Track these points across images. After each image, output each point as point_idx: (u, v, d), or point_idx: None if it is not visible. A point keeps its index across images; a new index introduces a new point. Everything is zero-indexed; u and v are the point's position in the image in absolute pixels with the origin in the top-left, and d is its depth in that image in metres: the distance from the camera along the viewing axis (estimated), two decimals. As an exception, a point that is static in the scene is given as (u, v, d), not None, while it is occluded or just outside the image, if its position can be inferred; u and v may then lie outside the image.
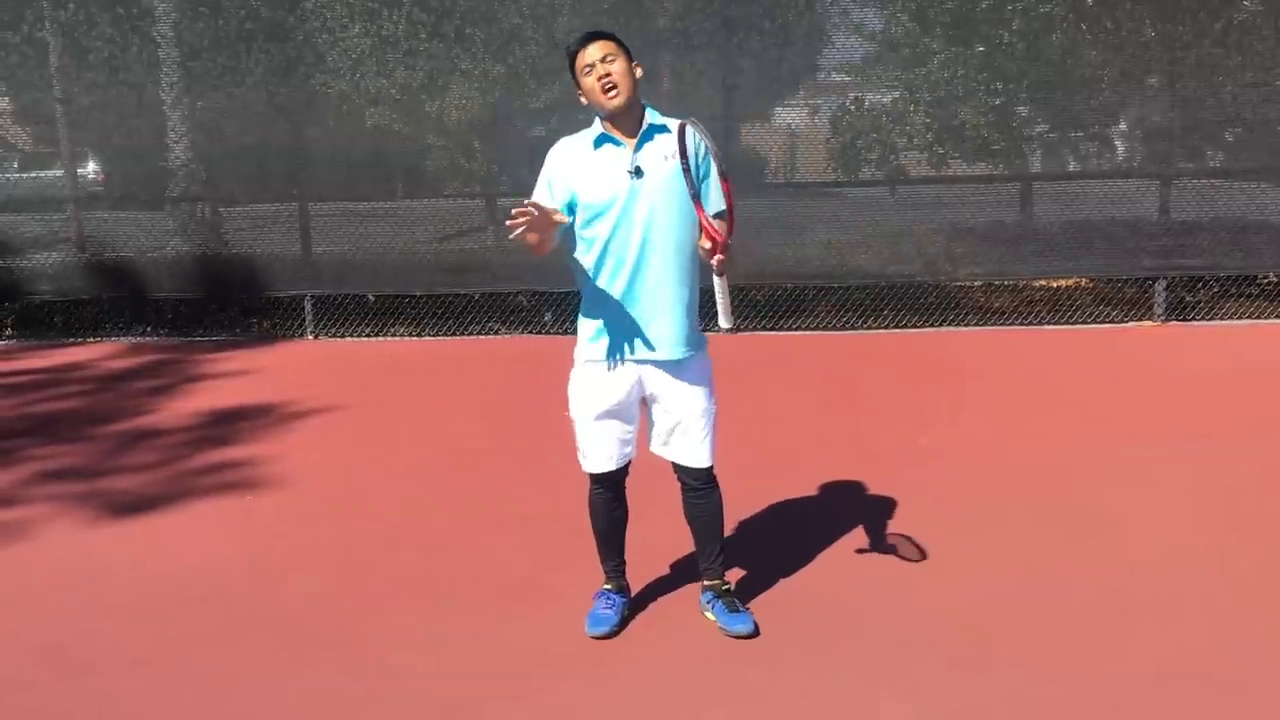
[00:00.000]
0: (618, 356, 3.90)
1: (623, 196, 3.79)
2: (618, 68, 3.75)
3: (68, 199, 10.25)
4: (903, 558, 4.64)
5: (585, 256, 3.90)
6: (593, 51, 3.76)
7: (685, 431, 3.99)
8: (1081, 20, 9.39)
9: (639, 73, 3.84)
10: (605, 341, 3.91)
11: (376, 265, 9.81)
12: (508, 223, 3.57)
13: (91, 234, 10.19)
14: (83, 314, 10.03)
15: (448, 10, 9.53)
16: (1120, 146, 10.34)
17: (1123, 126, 10.22)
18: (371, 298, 9.91)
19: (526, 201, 3.61)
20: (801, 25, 9.74)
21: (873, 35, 9.94)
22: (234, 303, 10.15)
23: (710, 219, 3.73)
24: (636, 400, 4.00)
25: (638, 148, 3.81)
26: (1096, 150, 10.22)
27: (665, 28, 9.47)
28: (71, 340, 9.80)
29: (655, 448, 4.07)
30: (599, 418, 3.97)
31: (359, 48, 9.59)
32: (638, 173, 3.79)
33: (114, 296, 9.96)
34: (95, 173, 11.15)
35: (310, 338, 9.69)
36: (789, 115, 10.32)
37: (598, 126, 3.87)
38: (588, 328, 3.96)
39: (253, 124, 9.70)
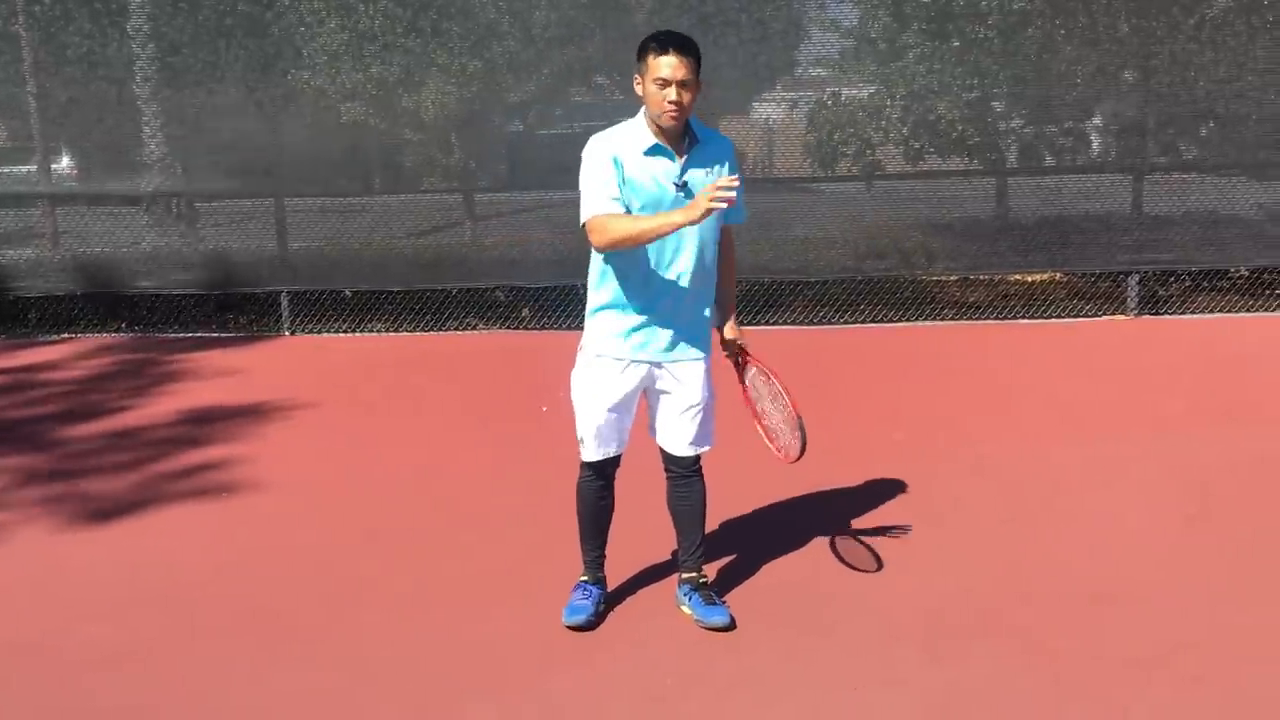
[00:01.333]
0: (638, 356, 3.99)
1: (665, 208, 3.84)
2: (689, 96, 3.79)
3: (42, 194, 10.19)
4: (852, 566, 4.60)
5: (618, 258, 3.93)
6: (675, 69, 3.75)
7: (685, 421, 4.09)
8: (1057, 15, 9.44)
9: (699, 89, 3.87)
10: (628, 341, 3.98)
11: (354, 261, 9.78)
12: (716, 199, 3.55)
13: (66, 229, 10.13)
14: (57, 310, 9.97)
15: (424, 5, 9.50)
16: (1095, 142, 10.40)
17: (1097, 121, 10.28)
18: (348, 293, 9.88)
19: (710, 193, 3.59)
20: (778, 21, 9.76)
21: (849, 31, 9.97)
22: (210, 299, 10.10)
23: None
24: (638, 394, 4.09)
25: (686, 165, 3.89)
26: (1071, 145, 10.27)
27: (641, 23, 9.46)
28: (45, 337, 9.74)
29: (654, 432, 4.18)
30: (608, 410, 4.04)
31: (335, 42, 9.56)
32: (685, 188, 3.87)
33: (89, 293, 9.90)
34: (70, 168, 11.08)
35: (287, 334, 9.66)
36: (766, 110, 10.34)
37: (646, 132, 3.88)
38: (609, 325, 4.00)
39: (229, 119, 9.64)
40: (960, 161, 9.92)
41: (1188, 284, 9.82)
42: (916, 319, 9.47)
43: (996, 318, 9.51)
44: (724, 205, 3.59)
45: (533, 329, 9.39)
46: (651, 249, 3.88)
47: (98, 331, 9.85)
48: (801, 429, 3.86)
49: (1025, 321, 9.38)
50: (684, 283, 3.94)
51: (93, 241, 9.99)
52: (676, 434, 4.11)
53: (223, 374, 8.30)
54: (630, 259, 3.91)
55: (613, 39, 9.51)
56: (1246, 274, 9.73)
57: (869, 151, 9.91)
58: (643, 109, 3.89)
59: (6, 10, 9.64)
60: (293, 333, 9.66)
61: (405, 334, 9.58)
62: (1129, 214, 9.55)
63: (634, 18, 9.59)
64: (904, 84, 9.67)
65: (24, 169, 10.68)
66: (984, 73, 9.59)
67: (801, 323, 9.46)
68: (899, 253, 9.68)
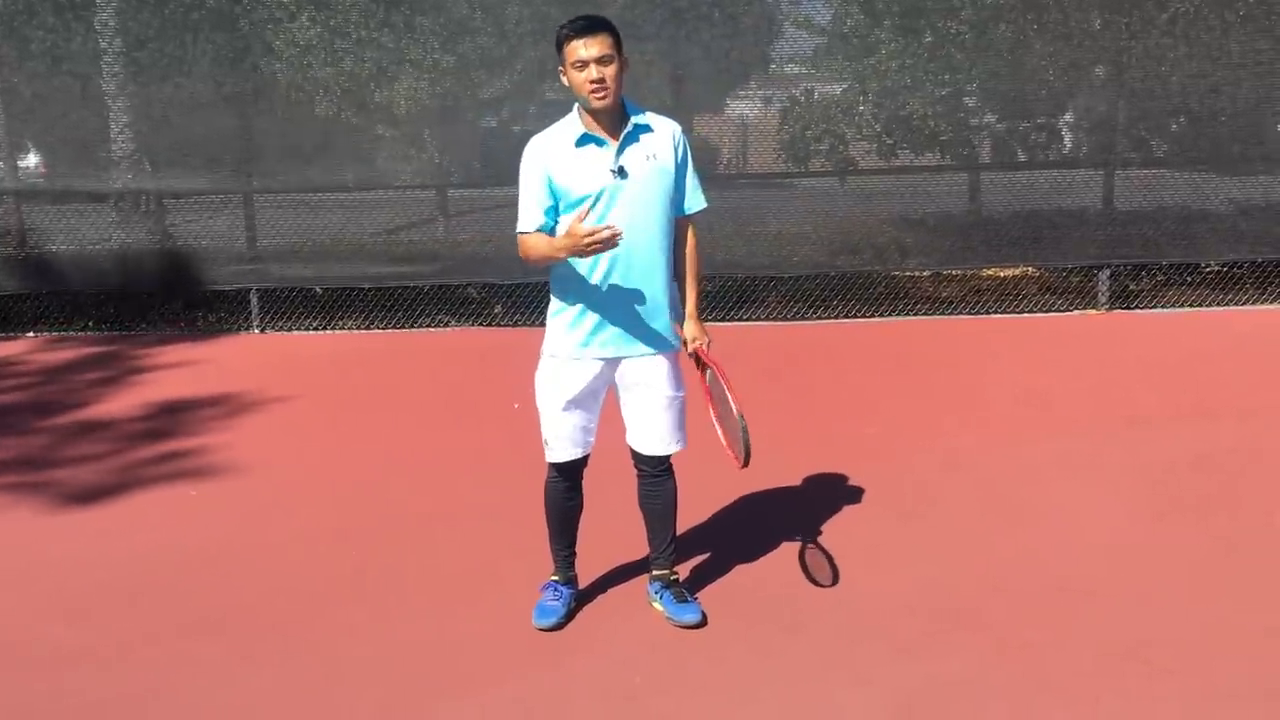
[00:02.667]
0: (591, 351, 3.93)
1: (604, 196, 3.80)
2: (611, 71, 3.74)
3: (8, 191, 10.07)
4: (813, 578, 4.48)
5: None
6: (590, 48, 3.72)
7: (650, 420, 4.03)
8: (1029, 10, 9.45)
9: (626, 68, 3.84)
10: (579, 336, 3.93)
11: (324, 257, 9.71)
12: (593, 240, 3.59)
13: (32, 227, 10.01)
14: (21, 308, 9.85)
15: (396, 0, 9.44)
16: (1067, 137, 10.43)
17: (1069, 117, 10.31)
18: (319, 290, 9.80)
19: (602, 226, 3.63)
20: (750, 16, 9.74)
21: (822, 29, 9.97)
22: (178, 296, 9.99)
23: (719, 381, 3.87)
24: (602, 391, 4.03)
25: (621, 148, 3.83)
26: (1044, 141, 10.29)
27: (614, 17, 9.40)
28: (11, 334, 9.63)
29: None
30: (565, 408, 3.99)
31: (307, 36, 9.48)
32: (621, 173, 3.81)
33: (55, 290, 9.79)
34: (38, 165, 10.96)
35: (256, 331, 9.58)
36: (740, 107, 10.32)
37: (577, 123, 3.86)
38: (561, 321, 3.97)
39: (197, 114, 9.55)
40: (933, 157, 9.93)
41: (1159, 278, 9.86)
42: (890, 314, 9.47)
43: (969, 313, 9.52)
44: (602, 248, 3.59)
45: (505, 326, 9.34)
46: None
47: (64, 329, 9.74)
48: (745, 438, 3.70)
49: (998, 316, 9.40)
50: (628, 278, 3.86)
51: (60, 239, 9.87)
52: (642, 432, 4.06)
53: (191, 371, 8.22)
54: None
55: (585, 34, 9.44)
56: (1218, 268, 9.78)
57: (842, 148, 9.91)
58: (576, 104, 3.85)
59: (-32, 6, 9.53)
60: (262, 330, 9.58)
61: (377, 331, 9.51)
62: (1101, 209, 9.57)
63: (606, 12, 9.51)
64: (877, 80, 9.67)
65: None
66: (956, 68, 9.60)
67: (775, 318, 9.44)
68: (872, 248, 9.69)
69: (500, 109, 10.54)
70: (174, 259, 9.70)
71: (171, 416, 6.98)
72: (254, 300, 9.60)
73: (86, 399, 7.45)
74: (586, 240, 3.59)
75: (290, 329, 9.55)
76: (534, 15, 9.29)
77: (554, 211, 3.88)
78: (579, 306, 3.91)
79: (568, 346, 3.95)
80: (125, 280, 9.72)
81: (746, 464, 3.77)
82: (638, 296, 3.89)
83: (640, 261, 3.87)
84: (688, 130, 9.86)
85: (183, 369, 8.28)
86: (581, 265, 3.85)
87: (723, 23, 9.45)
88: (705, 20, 9.35)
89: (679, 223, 3.99)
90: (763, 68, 10.24)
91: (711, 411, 4.02)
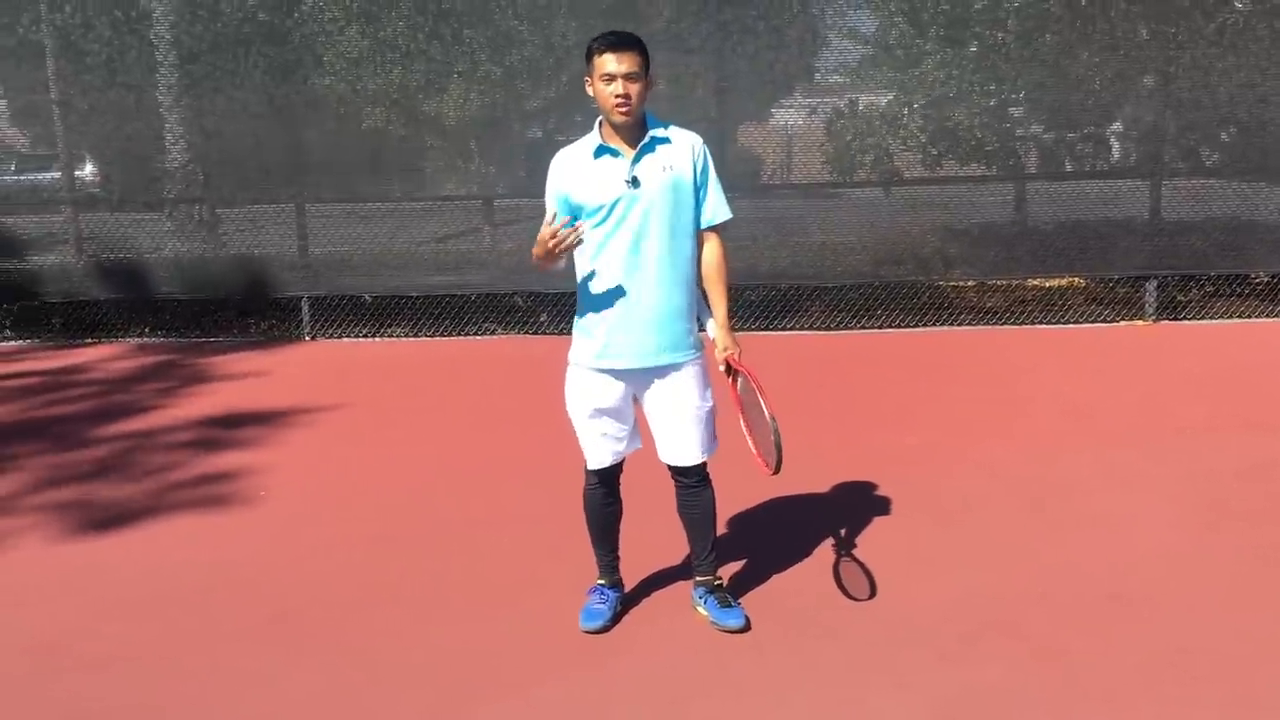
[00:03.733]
0: (608, 361, 3.98)
1: (618, 206, 3.86)
2: (636, 89, 3.80)
3: (65, 200, 10.29)
4: (846, 591, 4.47)
5: (582, 263, 3.98)
6: (619, 64, 3.78)
7: (676, 431, 4.05)
8: (1076, 20, 9.42)
9: (651, 86, 3.90)
10: (598, 346, 3.98)
11: (374, 266, 9.86)
12: (556, 241, 3.70)
13: (89, 235, 10.23)
14: (80, 315, 10.06)
15: (445, 12, 9.57)
16: (1114, 147, 10.38)
17: (1117, 127, 10.26)
18: (368, 298, 9.95)
19: (560, 225, 3.72)
20: (795, 28, 9.78)
21: (867, 39, 9.99)
22: (231, 304, 10.18)
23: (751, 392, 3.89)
24: (629, 400, 4.07)
25: (637, 159, 3.88)
26: (1090, 151, 10.25)
27: (660, 30, 9.51)
28: (68, 342, 9.84)
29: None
30: (591, 416, 4.05)
31: (356, 49, 9.64)
32: (634, 182, 3.86)
33: (111, 298, 9.99)
34: (93, 174, 11.18)
35: (307, 339, 9.73)
36: (784, 117, 10.36)
37: (597, 135, 3.93)
38: (582, 331, 4.04)
39: (250, 125, 9.73)
40: (979, 167, 9.92)
41: (1207, 289, 9.79)
42: (933, 324, 9.47)
43: (1014, 323, 9.49)
44: (564, 247, 3.69)
45: (551, 334, 9.42)
46: (605, 256, 3.90)
47: (121, 336, 9.94)
48: (777, 440, 3.71)
49: (1043, 327, 9.37)
50: (643, 287, 3.90)
51: (115, 247, 10.09)
52: (668, 442, 4.08)
53: (244, 378, 8.38)
54: (588, 266, 3.94)
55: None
56: (1267, 280, 9.69)
57: (887, 159, 9.92)
58: (599, 117, 3.92)
59: (30, 19, 9.75)
60: (313, 337, 9.73)
61: (425, 339, 9.63)
62: (1148, 219, 9.52)
63: (652, 25, 9.63)
64: (922, 90, 9.68)
65: (48, 175, 10.80)
66: (1002, 78, 9.60)
67: (819, 328, 9.47)
68: (916, 258, 9.69)
69: (546, 120, 10.65)
70: (228, 267, 9.89)
71: (224, 424, 7.11)
72: (305, 308, 9.77)
73: (143, 408, 7.59)
74: (551, 243, 3.70)
75: (340, 336, 9.70)
76: (581, 28, 9.39)
77: (573, 223, 3.93)
78: (596, 316, 3.97)
79: (587, 356, 4.01)
80: (181, 288, 9.90)
81: (778, 470, 3.78)
82: (654, 306, 3.92)
83: (656, 271, 3.90)
84: (731, 141, 9.98)
85: (236, 377, 8.43)
86: (597, 274, 3.92)
87: (768, 34, 9.50)
88: (750, 33, 9.41)
89: (702, 234, 4.01)
90: (807, 78, 10.28)
91: (742, 420, 4.05)
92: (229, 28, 9.59)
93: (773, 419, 3.73)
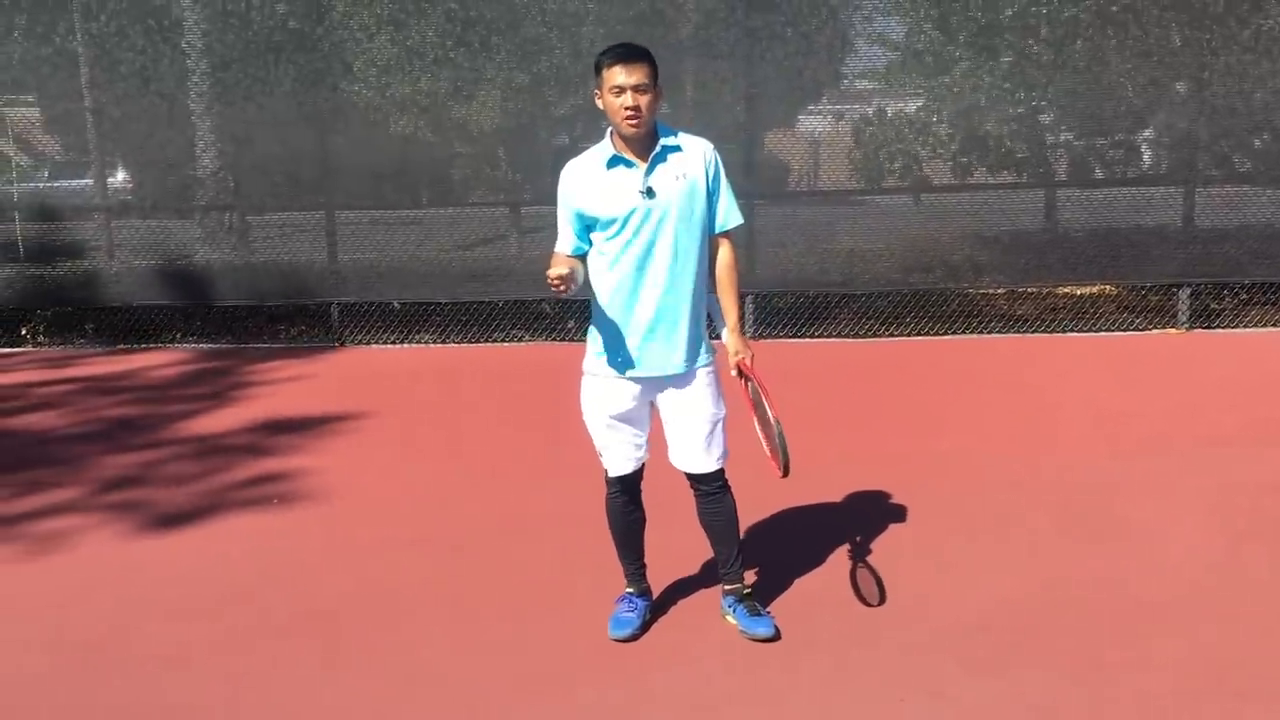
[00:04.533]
0: (623, 370, 3.98)
1: (634, 217, 3.86)
2: (646, 100, 3.80)
3: (98, 207, 10.38)
4: (861, 596, 4.46)
5: (596, 272, 3.98)
6: (629, 76, 3.79)
7: (690, 439, 4.05)
8: (1107, 27, 9.36)
9: (661, 98, 3.90)
10: (613, 354, 3.98)
11: (402, 272, 9.89)
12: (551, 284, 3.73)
13: (121, 242, 10.32)
14: (112, 321, 10.15)
15: (473, 20, 9.61)
16: (1146, 154, 10.30)
17: (1149, 134, 10.18)
18: (397, 305, 9.98)
19: (552, 274, 3.74)
20: (824, 34, 9.76)
21: (896, 45, 9.95)
22: (262, 310, 10.24)
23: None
24: (645, 407, 4.07)
25: (650, 168, 3.88)
26: (1122, 158, 10.17)
27: (688, 37, 9.51)
28: (105, 349, 9.91)
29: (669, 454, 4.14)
30: (608, 424, 4.05)
31: (385, 57, 9.68)
32: (650, 193, 3.86)
33: (143, 304, 10.07)
34: (125, 181, 11.27)
35: (337, 345, 9.77)
36: (812, 123, 10.34)
37: (608, 146, 3.93)
38: (596, 340, 4.04)
39: (280, 133, 9.80)
40: (1009, 174, 9.86)
41: (1242, 298, 9.69)
42: (963, 332, 9.42)
43: (1045, 331, 9.43)
44: (560, 288, 3.71)
45: (578, 341, 9.36)
46: (620, 267, 3.89)
47: (152, 342, 10.01)
48: (783, 444, 3.74)
49: (1074, 335, 9.30)
50: (656, 296, 3.90)
51: (147, 254, 10.17)
52: (681, 449, 4.07)
53: (274, 384, 8.42)
54: (602, 277, 3.94)
55: (659, 54, 9.49)
56: (1302, 287, 9.59)
57: (916, 167, 9.88)
58: (610, 127, 3.91)
59: (65, 28, 9.85)
60: (343, 344, 9.77)
61: (453, 345, 9.66)
62: (1181, 227, 9.44)
63: (679, 32, 9.64)
64: (951, 97, 9.64)
65: (80, 183, 10.90)
66: (1033, 85, 9.54)
67: (847, 335, 9.43)
68: (945, 265, 9.64)
69: (574, 126, 10.66)
70: (258, 274, 9.95)
71: (259, 430, 7.15)
72: (335, 314, 9.82)
73: (177, 414, 7.63)
74: (549, 282, 3.74)
75: (369, 342, 9.74)
76: (608, 35, 9.39)
77: (586, 233, 3.97)
78: (608, 324, 3.97)
79: (600, 364, 4.01)
80: (213, 295, 9.97)
81: (786, 473, 3.80)
82: (667, 314, 3.92)
83: (670, 279, 3.90)
84: (760, 147, 9.96)
85: (267, 382, 8.48)
86: (611, 283, 3.93)
87: (796, 40, 9.48)
88: (779, 39, 9.39)
89: (715, 240, 4.02)
90: (835, 84, 10.25)
91: (756, 424, 4.05)
92: (260, 36, 9.66)
93: (777, 422, 3.77)
